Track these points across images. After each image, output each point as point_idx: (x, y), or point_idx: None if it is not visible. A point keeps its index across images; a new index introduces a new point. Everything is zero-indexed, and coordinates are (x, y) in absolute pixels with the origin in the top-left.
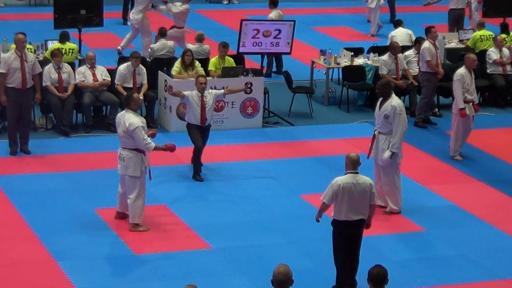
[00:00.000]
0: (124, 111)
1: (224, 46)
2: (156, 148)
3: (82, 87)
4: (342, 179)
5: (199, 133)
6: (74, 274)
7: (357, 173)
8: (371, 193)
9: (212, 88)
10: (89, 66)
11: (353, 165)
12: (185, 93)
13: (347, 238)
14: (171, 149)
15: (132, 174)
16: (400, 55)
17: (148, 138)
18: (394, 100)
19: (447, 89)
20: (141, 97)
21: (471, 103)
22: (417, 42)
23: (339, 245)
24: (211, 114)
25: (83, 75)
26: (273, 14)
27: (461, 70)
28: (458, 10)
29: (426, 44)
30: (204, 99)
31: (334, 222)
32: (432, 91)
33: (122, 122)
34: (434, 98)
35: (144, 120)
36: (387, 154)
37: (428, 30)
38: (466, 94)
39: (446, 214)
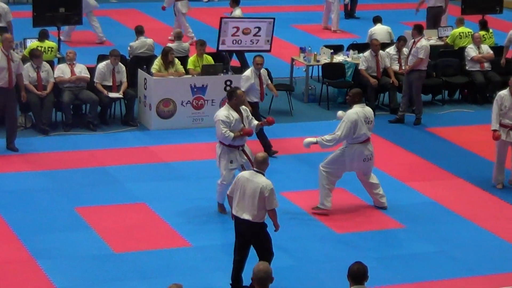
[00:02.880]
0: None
1: (201, 44)
2: (235, 137)
3: (60, 82)
4: (243, 173)
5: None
6: (54, 273)
7: (259, 172)
8: (264, 196)
9: (192, 86)
10: (68, 64)
11: (256, 164)
12: (244, 75)
13: (237, 234)
14: (248, 133)
15: (218, 165)
16: (382, 52)
17: (227, 131)
18: (352, 109)
19: (427, 86)
20: (121, 95)
21: (508, 129)
22: (400, 40)
23: (236, 240)
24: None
25: (62, 71)
26: (238, 12)
27: (503, 92)
28: (437, 8)
29: (425, 42)
30: (262, 76)
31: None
32: (406, 88)
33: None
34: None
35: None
36: (310, 139)
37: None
38: (505, 118)
39: (425, 211)
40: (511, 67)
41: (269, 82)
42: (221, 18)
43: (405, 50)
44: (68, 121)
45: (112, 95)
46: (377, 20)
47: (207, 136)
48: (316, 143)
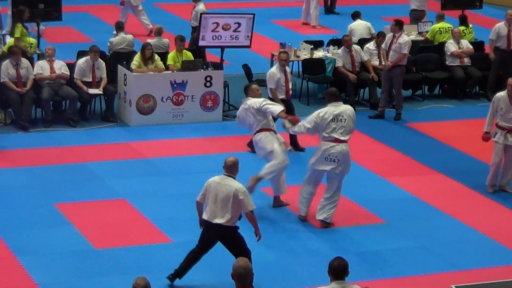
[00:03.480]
0: (245, 99)
1: (181, 39)
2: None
3: (40, 80)
4: (213, 178)
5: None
6: (34, 269)
7: (230, 176)
8: (239, 200)
9: (172, 82)
10: (47, 60)
11: (226, 168)
12: (268, 73)
13: (205, 238)
14: (295, 120)
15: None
16: (356, 47)
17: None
18: (327, 107)
19: (407, 82)
20: (100, 91)
21: (506, 131)
22: (379, 36)
23: (199, 241)
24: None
25: (41, 68)
26: (201, 6)
27: (500, 94)
28: (420, 12)
29: (407, 38)
30: (287, 73)
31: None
32: (386, 83)
33: (251, 107)
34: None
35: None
36: (289, 124)
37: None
38: (502, 120)
39: (406, 206)
40: (491, 63)
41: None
42: (201, 14)
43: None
44: (48, 118)
45: (92, 91)
46: (356, 15)
47: (188, 132)
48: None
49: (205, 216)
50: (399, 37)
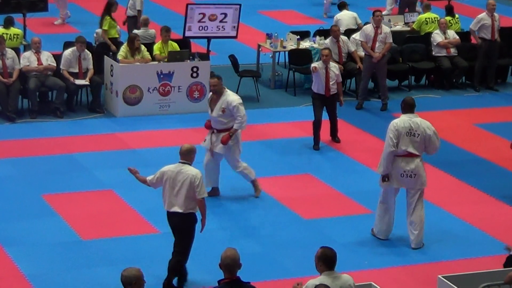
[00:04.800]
0: (226, 90)
1: (166, 30)
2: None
3: (27, 71)
4: (169, 166)
5: (322, 106)
6: (21, 260)
7: (186, 163)
8: (195, 185)
9: (159, 73)
10: (34, 51)
11: (182, 155)
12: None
13: (172, 228)
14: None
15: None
16: (344, 37)
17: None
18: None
19: (393, 72)
20: (87, 82)
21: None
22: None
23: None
24: (334, 86)
25: (28, 60)
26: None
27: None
28: None
29: (368, 26)
30: (329, 70)
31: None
32: (367, 74)
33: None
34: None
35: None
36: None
37: (373, 14)
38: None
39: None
40: (477, 53)
41: (340, 79)
42: (187, 4)
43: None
44: (34, 108)
45: (79, 82)
46: (342, 6)
47: (174, 122)
48: None
49: (165, 207)
50: (381, 27)
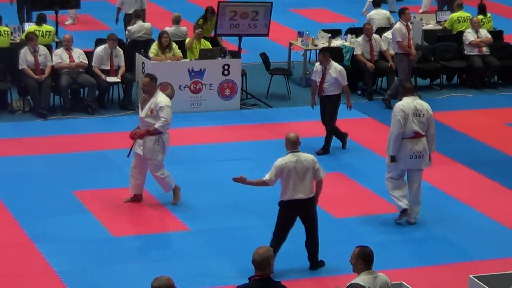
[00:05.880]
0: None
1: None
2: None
3: (59, 68)
4: (284, 159)
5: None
6: (53, 256)
7: (297, 151)
8: (315, 169)
9: (190, 70)
10: (66, 49)
11: (292, 145)
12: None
13: (294, 218)
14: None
15: (160, 159)
16: (376, 36)
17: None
18: (399, 102)
19: (425, 71)
20: (118, 79)
21: None
22: None
23: (281, 227)
24: (330, 89)
25: (60, 57)
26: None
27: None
28: None
29: (398, 25)
30: (326, 72)
31: (281, 203)
32: (407, 72)
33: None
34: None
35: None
36: (387, 159)
37: (401, 12)
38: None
39: (423, 196)
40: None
41: (345, 82)
42: (219, 2)
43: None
44: (66, 105)
45: (110, 79)
46: (377, 4)
47: (205, 120)
48: None
49: (284, 197)
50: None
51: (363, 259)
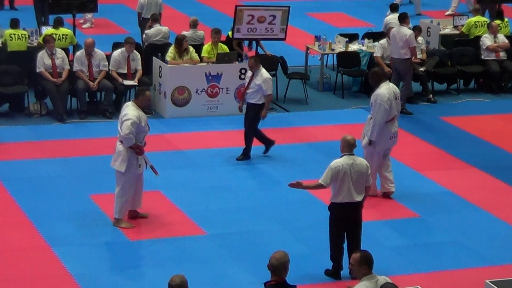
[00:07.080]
0: (130, 102)
1: (216, 32)
2: (133, 145)
3: (78, 76)
4: (341, 161)
5: None
6: (69, 260)
7: (353, 154)
8: (367, 174)
9: (207, 74)
10: (86, 54)
11: (349, 147)
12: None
13: (345, 220)
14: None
15: (117, 168)
16: None
17: (132, 134)
18: (380, 90)
19: (442, 75)
20: (135, 83)
21: None
22: (415, 29)
23: (337, 228)
24: (252, 96)
25: (81, 63)
26: None
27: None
28: None
29: (410, 31)
30: (253, 78)
31: (332, 206)
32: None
33: (122, 111)
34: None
35: (143, 117)
36: (364, 140)
37: (405, 16)
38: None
39: (440, 200)
40: None
41: (269, 92)
42: (236, 6)
43: (420, 39)
44: (83, 109)
45: (127, 82)
46: (394, 8)
47: (222, 124)
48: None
49: (336, 200)
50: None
51: (367, 264)
